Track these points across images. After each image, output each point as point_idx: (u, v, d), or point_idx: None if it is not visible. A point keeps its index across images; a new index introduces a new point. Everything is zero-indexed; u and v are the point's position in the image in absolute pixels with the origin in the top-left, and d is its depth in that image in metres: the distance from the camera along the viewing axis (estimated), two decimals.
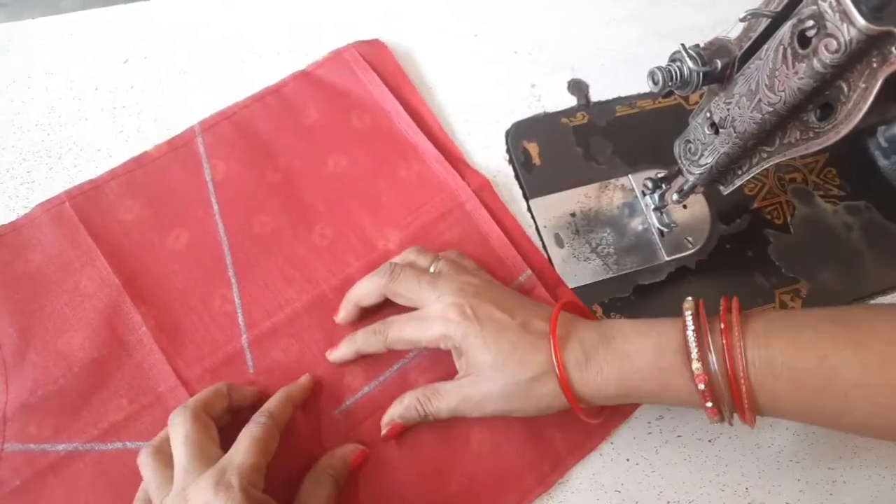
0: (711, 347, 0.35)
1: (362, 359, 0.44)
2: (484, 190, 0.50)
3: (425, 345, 0.41)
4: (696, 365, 0.35)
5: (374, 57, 0.54)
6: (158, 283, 0.45)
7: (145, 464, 0.36)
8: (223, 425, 0.39)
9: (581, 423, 0.40)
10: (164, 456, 0.36)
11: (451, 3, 0.60)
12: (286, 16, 0.57)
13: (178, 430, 0.36)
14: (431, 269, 0.43)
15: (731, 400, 0.35)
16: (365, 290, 0.43)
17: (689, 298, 0.38)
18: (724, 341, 0.35)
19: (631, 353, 0.38)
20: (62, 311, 0.43)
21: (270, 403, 0.39)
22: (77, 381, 0.41)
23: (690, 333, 0.36)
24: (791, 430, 0.46)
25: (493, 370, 0.38)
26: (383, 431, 0.42)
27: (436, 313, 0.40)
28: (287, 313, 0.45)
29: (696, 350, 0.35)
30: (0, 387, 0.41)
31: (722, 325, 0.36)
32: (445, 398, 0.40)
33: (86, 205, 0.47)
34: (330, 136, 0.51)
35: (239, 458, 0.34)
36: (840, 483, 0.45)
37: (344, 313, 0.44)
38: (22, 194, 0.48)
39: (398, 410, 0.41)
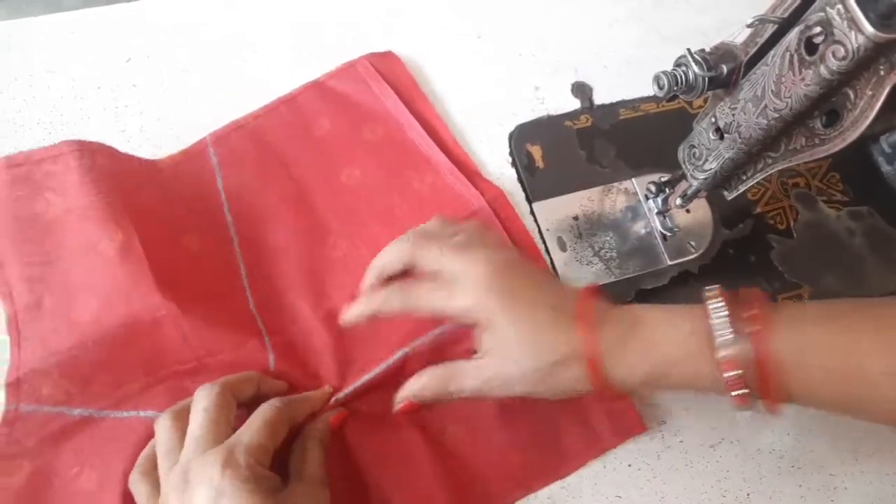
0: (739, 334, 0.35)
1: (367, 347, 0.43)
2: (497, 201, 0.50)
3: (447, 315, 0.38)
4: (723, 353, 0.34)
5: (387, 69, 0.54)
6: (175, 274, 0.43)
7: (161, 427, 0.36)
8: (243, 412, 0.38)
9: (590, 429, 0.40)
10: (181, 423, 0.36)
11: (453, 4, 0.60)
12: (288, 15, 0.57)
13: (201, 402, 0.36)
14: (455, 240, 0.40)
15: (759, 387, 0.34)
16: (388, 258, 0.41)
17: (714, 287, 0.37)
18: (752, 329, 0.34)
19: (659, 340, 0.37)
20: (76, 270, 0.41)
21: (292, 399, 0.40)
22: (91, 352, 0.40)
23: (718, 320, 0.35)
24: (792, 435, 0.46)
25: (520, 350, 0.36)
26: (396, 407, 0.40)
27: (463, 284, 0.37)
28: (302, 324, 0.44)
29: (723, 337, 0.35)
30: (13, 347, 0.41)
31: (751, 312, 0.35)
32: (467, 378, 0.38)
33: (113, 164, 0.44)
34: (343, 148, 0.50)
35: (247, 436, 0.34)
36: (841, 489, 0.45)
37: (367, 282, 0.42)
38: None
39: (415, 387, 0.39)
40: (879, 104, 0.31)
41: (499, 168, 0.53)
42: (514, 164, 0.53)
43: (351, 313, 0.41)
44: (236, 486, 0.32)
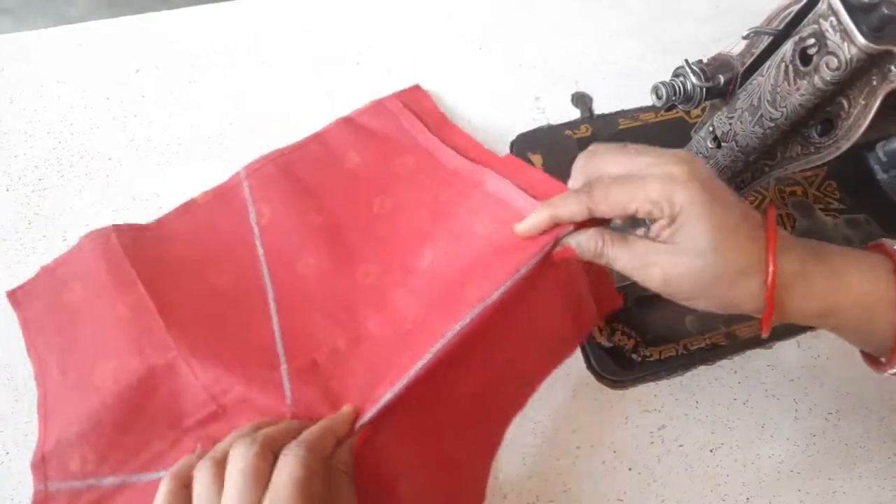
0: None
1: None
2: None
3: (633, 208, 0.34)
4: None
5: (416, 104, 0.54)
6: (196, 312, 0.43)
7: (201, 478, 0.33)
8: None
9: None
10: (221, 472, 0.33)
11: (456, 16, 0.61)
12: (294, 24, 0.58)
13: (238, 461, 0.32)
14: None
15: None
16: (569, 212, 0.36)
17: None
18: None
19: (845, 273, 0.34)
20: (96, 338, 0.43)
21: (309, 433, 0.35)
22: (112, 413, 0.40)
23: None
24: (792, 440, 0.47)
25: (710, 246, 0.33)
26: (556, 249, 0.37)
27: (657, 173, 0.34)
28: (329, 348, 0.44)
29: None
30: (40, 425, 0.41)
31: None
32: (630, 253, 0.35)
33: (131, 238, 0.46)
34: (374, 179, 0.50)
35: None
36: (840, 493, 0.46)
37: (533, 221, 0.38)
38: (34, 201, 0.49)
39: (580, 238, 0.37)
40: (872, 113, 0.32)
41: None
42: None
43: (526, 225, 0.38)
44: None
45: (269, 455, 0.33)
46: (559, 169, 0.54)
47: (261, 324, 0.44)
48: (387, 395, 0.38)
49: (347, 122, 0.53)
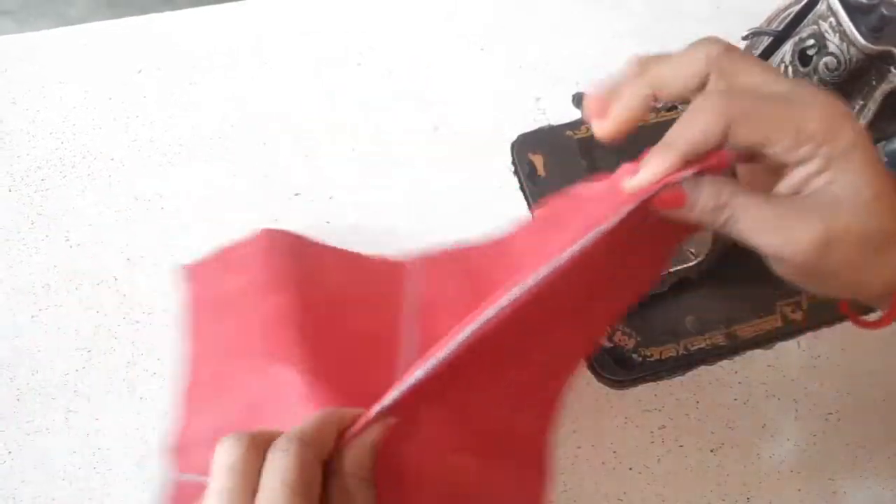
0: None
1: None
2: None
3: (782, 140, 0.26)
4: None
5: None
6: (329, 343, 0.40)
7: (229, 465, 0.25)
8: None
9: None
10: (253, 477, 0.26)
11: (457, 17, 0.61)
12: (296, 26, 0.59)
13: (279, 473, 0.25)
14: None
15: None
16: (699, 123, 0.27)
17: None
18: None
19: None
20: (241, 333, 0.41)
21: (305, 424, 0.27)
22: (240, 414, 0.39)
23: None
24: (792, 440, 0.47)
25: (870, 196, 0.26)
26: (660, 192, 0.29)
27: (811, 102, 0.27)
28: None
29: None
30: (183, 412, 0.40)
31: None
32: (772, 206, 0.27)
33: (300, 247, 0.44)
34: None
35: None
36: (840, 493, 0.46)
37: (661, 164, 0.28)
38: (36, 202, 0.49)
39: (699, 182, 0.28)
40: (872, 113, 0.32)
41: (501, 177, 0.54)
42: (516, 172, 0.54)
43: (645, 172, 0.29)
44: None
45: (259, 451, 0.26)
46: (560, 169, 0.54)
47: (384, 377, 0.40)
48: (417, 373, 0.30)
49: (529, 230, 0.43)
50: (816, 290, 0.30)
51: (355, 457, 0.28)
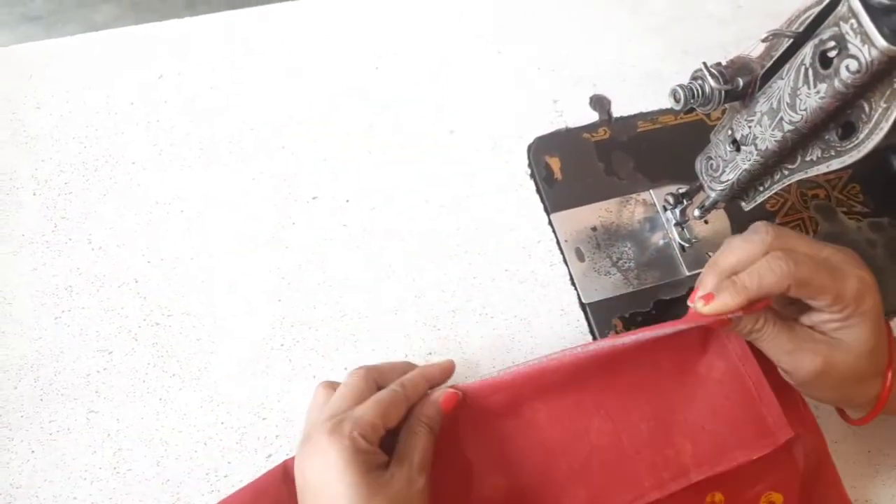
0: None
1: None
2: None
3: (824, 296, 0.36)
4: None
5: None
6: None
7: (317, 390, 0.40)
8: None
9: (715, 440, 0.40)
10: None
11: (475, 19, 0.61)
12: (315, 30, 0.59)
13: (349, 379, 0.39)
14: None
15: None
16: (770, 279, 0.36)
17: None
18: None
19: None
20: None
21: (405, 377, 0.40)
22: None
23: None
24: None
25: (867, 350, 0.37)
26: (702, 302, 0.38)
27: (853, 273, 0.37)
28: None
29: None
30: None
31: None
32: (791, 335, 0.38)
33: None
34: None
35: (359, 411, 0.36)
36: (862, 502, 0.45)
37: (734, 301, 0.37)
38: (60, 205, 0.50)
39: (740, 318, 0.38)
40: (894, 116, 0.31)
41: (518, 179, 0.54)
42: (532, 175, 0.54)
43: (717, 302, 0.37)
44: (334, 453, 0.34)
45: (371, 382, 0.39)
46: (577, 172, 0.54)
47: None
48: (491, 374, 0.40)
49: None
50: (815, 398, 0.41)
51: (423, 406, 0.39)
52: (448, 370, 0.43)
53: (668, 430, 0.41)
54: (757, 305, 0.37)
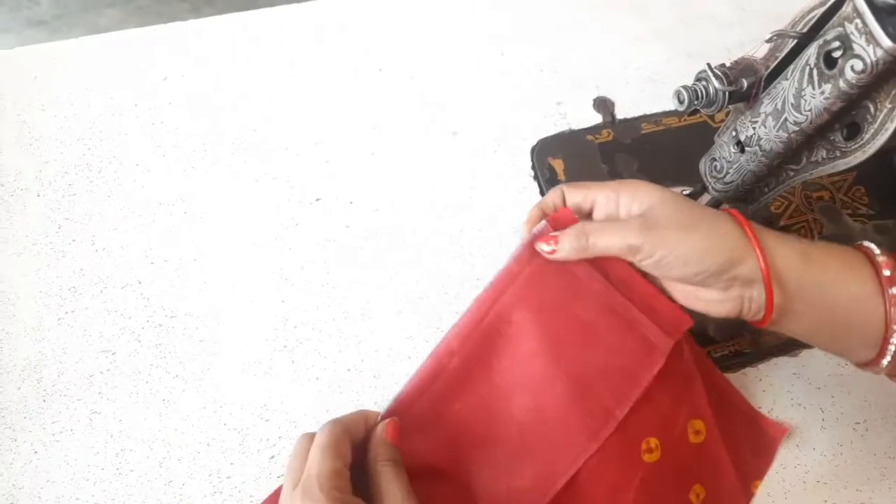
0: None
1: None
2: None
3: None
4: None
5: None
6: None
7: (294, 450, 0.37)
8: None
9: (620, 373, 0.39)
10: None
11: (477, 21, 0.61)
12: (317, 33, 0.59)
13: (316, 439, 0.36)
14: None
15: None
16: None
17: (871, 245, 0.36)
18: None
19: (831, 268, 0.36)
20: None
21: (340, 417, 0.39)
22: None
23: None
24: (818, 451, 0.46)
25: (695, 247, 0.35)
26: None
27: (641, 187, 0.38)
28: None
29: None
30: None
31: None
32: (617, 228, 0.38)
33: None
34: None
35: (314, 468, 0.34)
36: None
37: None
38: (64, 206, 0.50)
39: (563, 244, 0.39)
40: None
41: (521, 181, 0.54)
42: (535, 177, 0.54)
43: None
44: None
45: (344, 439, 0.37)
46: (580, 173, 0.54)
47: None
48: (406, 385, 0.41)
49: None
50: (694, 284, 0.37)
51: (373, 446, 0.38)
52: (375, 416, 0.40)
53: (579, 382, 0.40)
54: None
